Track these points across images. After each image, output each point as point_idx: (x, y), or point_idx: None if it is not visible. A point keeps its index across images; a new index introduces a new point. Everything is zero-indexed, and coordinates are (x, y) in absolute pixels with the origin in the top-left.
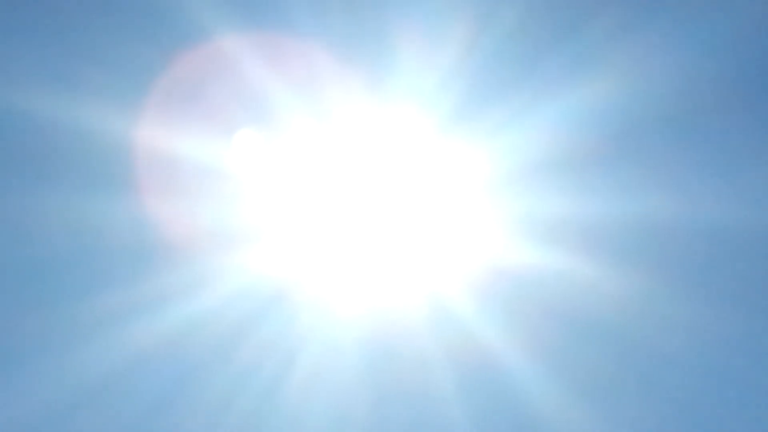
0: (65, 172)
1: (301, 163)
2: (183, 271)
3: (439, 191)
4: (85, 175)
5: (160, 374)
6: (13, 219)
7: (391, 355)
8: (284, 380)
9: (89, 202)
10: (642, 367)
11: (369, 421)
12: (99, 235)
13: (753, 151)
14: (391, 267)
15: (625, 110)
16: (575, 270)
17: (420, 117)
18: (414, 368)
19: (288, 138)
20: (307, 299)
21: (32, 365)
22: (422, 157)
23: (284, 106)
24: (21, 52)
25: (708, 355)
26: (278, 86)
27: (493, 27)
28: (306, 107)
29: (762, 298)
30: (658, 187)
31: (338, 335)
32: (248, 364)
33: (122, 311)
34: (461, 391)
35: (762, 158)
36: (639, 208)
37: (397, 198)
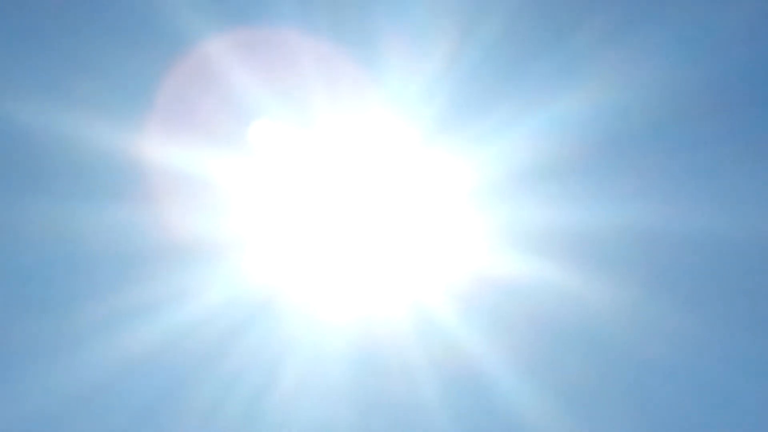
0: (58, 180)
1: (288, 172)
2: (171, 279)
3: (425, 200)
4: (75, 184)
5: (149, 381)
6: (6, 226)
7: (377, 363)
8: (271, 387)
9: (79, 210)
10: (627, 376)
11: (354, 428)
12: (89, 243)
13: (741, 159)
14: (377, 275)
15: (611, 118)
16: (561, 279)
17: (406, 125)
18: (399, 376)
19: (274, 147)
20: (294, 307)
21: (23, 371)
22: (408, 165)
23: (271, 116)
24: (14, 62)
25: (694, 364)
26: (265, 95)
27: (478, 35)
28: (293, 116)
29: (749, 306)
30: (645, 196)
31: (324, 343)
32: (235, 372)
33: (111, 318)
34: (446, 399)
35: (750, 166)
36: (625, 216)
37: (382, 206)
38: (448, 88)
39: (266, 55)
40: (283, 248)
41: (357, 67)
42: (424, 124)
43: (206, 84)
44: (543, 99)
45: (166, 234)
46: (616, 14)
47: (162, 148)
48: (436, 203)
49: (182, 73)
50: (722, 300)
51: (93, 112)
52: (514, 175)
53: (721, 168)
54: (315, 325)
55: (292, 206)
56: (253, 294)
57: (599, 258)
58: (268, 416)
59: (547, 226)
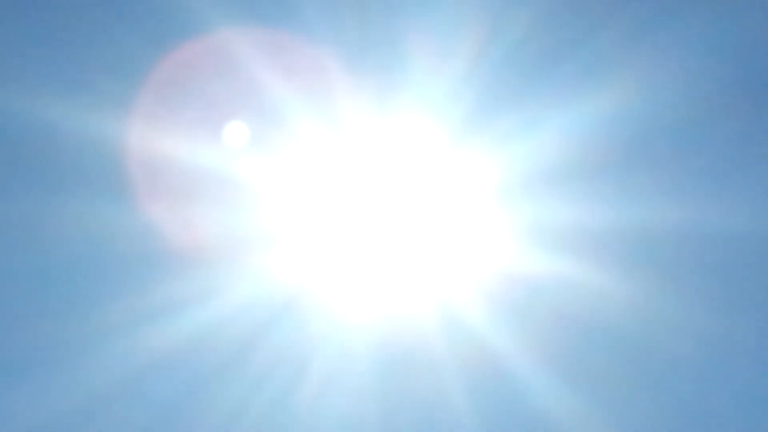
0: (77, 178)
1: (312, 171)
2: (195, 279)
3: (450, 199)
4: (98, 182)
5: (172, 382)
6: (27, 226)
7: (403, 361)
8: (296, 387)
9: (101, 210)
10: (652, 374)
11: (380, 427)
12: (111, 242)
13: (765, 160)
14: (403, 274)
15: (636, 118)
16: (585, 277)
17: (430, 125)
18: (425, 375)
19: (299, 146)
20: (319, 306)
21: (45, 372)
22: (433, 164)
23: (295, 114)
24: (17, 54)
25: (717, 361)
26: (289, 94)
27: (503, 35)
28: (317, 115)
29: None
30: (669, 195)
31: (350, 342)
32: (260, 372)
33: (136, 318)
34: (472, 397)
35: None
36: (650, 215)
37: (407, 205)
38: (474, 88)
39: (290, 55)
40: (310, 247)
41: (382, 67)
42: (450, 123)
43: (234, 85)
44: (569, 98)
45: (191, 233)
46: (641, 14)
47: (187, 148)
48: (462, 202)
49: (210, 76)
50: (747, 298)
51: (113, 111)
52: (540, 174)
53: (745, 167)
54: (341, 324)
55: (318, 206)
56: (279, 293)
57: (625, 257)
58: (293, 415)
59: (573, 224)
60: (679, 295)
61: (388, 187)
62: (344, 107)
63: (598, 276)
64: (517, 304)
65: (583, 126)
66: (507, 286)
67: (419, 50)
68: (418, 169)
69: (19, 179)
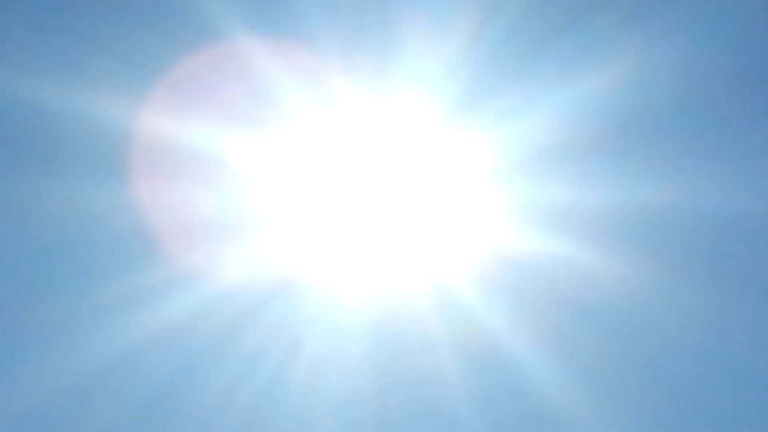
0: (72, 160)
1: (306, 152)
2: (188, 260)
3: (444, 180)
4: (91, 164)
5: (166, 362)
6: (19, 207)
7: (396, 342)
8: (290, 367)
9: (95, 191)
10: (647, 354)
11: (374, 407)
12: (104, 223)
13: (758, 140)
14: (396, 255)
15: (630, 100)
16: (580, 258)
17: (425, 106)
18: (419, 355)
19: (292, 127)
20: (313, 287)
21: (38, 353)
22: (427, 146)
23: (288, 96)
24: (35, 44)
25: (713, 342)
26: (282, 75)
27: (497, 17)
28: (310, 96)
29: (767, 285)
30: (663, 176)
31: (343, 323)
32: (254, 352)
33: (129, 299)
34: (466, 377)
35: (767, 147)
36: (644, 196)
37: (402, 186)
38: (469, 69)
39: (284, 38)
40: (304, 227)
41: (376, 49)
42: (445, 103)
43: (225, 67)
44: (564, 79)
45: (184, 215)
46: None
47: (182, 129)
48: (457, 183)
49: (202, 58)
50: (742, 278)
51: (112, 92)
52: (535, 155)
53: (742, 148)
54: (335, 304)
55: (313, 186)
56: (273, 273)
57: (620, 237)
58: (288, 394)
59: (568, 205)
60: (673, 274)
61: (383, 168)
62: (338, 88)
63: (593, 256)
64: (511, 284)
65: (578, 107)
66: (501, 266)
67: (414, 32)
68: (412, 149)
69: (35, 163)
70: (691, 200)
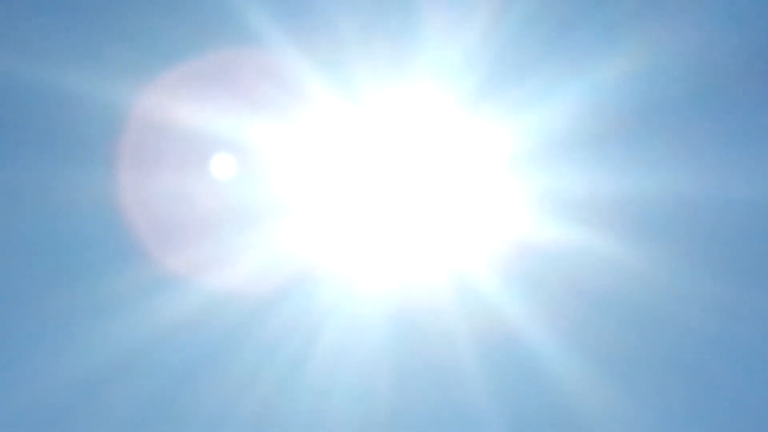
0: (93, 148)
1: (324, 142)
2: (208, 248)
3: (463, 169)
4: (109, 152)
5: (184, 350)
6: (40, 192)
7: (415, 331)
8: (308, 356)
9: (114, 178)
10: (666, 343)
11: (393, 396)
12: (126, 210)
13: None
14: (415, 244)
15: (651, 85)
16: (599, 246)
17: (443, 95)
18: (438, 345)
19: (311, 117)
20: (331, 278)
21: (61, 339)
22: (446, 135)
23: (308, 85)
24: (59, 32)
25: (733, 332)
26: (303, 63)
27: (515, 6)
28: (330, 85)
29: None
30: (682, 164)
31: (362, 312)
32: (273, 340)
33: (148, 286)
34: (485, 367)
35: None
36: (663, 184)
37: (421, 175)
38: (488, 57)
39: (304, 23)
40: (322, 218)
41: (395, 37)
42: (464, 92)
43: (247, 56)
44: (581, 68)
45: (204, 203)
46: None
47: (201, 116)
48: (476, 171)
49: (224, 47)
50: (763, 268)
51: (130, 79)
52: (554, 143)
53: (759, 136)
54: (354, 293)
55: (331, 176)
56: (292, 263)
57: (639, 225)
58: (306, 384)
59: (587, 193)
60: (692, 263)
61: (402, 156)
62: (358, 76)
63: (611, 245)
64: (530, 273)
65: (597, 95)
66: (520, 255)
67: (433, 21)
68: (431, 139)
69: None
70: (709, 189)
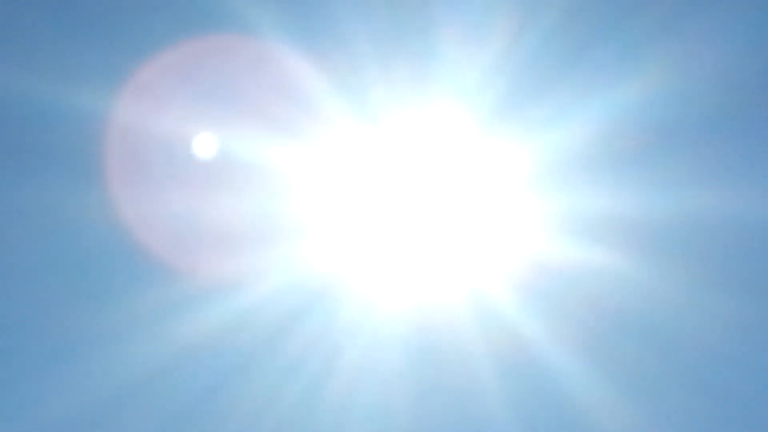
0: (120, 167)
1: (345, 159)
2: (229, 266)
3: (482, 188)
4: (138, 172)
5: (207, 368)
6: (66, 214)
7: (435, 350)
8: (329, 374)
9: (141, 197)
10: (684, 362)
11: (413, 414)
12: (150, 229)
13: None
14: (435, 263)
15: (670, 105)
16: (617, 266)
17: (463, 113)
18: (457, 363)
19: (330, 134)
20: (352, 294)
21: (85, 357)
22: (465, 153)
23: (326, 103)
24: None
25: (750, 350)
26: (320, 82)
27: (535, 23)
28: (349, 103)
29: None
30: (700, 184)
31: (382, 330)
32: (294, 358)
33: (171, 304)
34: (504, 385)
35: None
36: (681, 204)
37: (440, 194)
38: (506, 77)
39: (322, 45)
40: (343, 235)
41: (415, 56)
42: (482, 112)
43: (266, 75)
44: (601, 87)
45: (227, 220)
46: (672, 3)
47: (221, 137)
48: (494, 191)
49: (241, 62)
50: None
51: (156, 101)
52: (572, 163)
53: None
54: (374, 311)
55: (352, 193)
56: (312, 281)
57: (658, 245)
58: (326, 402)
59: (606, 213)
60: (710, 283)
61: (421, 176)
62: (376, 97)
63: (629, 264)
64: (548, 292)
65: (614, 115)
66: (538, 275)
67: (451, 40)
68: (450, 158)
69: (44, 167)
70: (728, 209)
